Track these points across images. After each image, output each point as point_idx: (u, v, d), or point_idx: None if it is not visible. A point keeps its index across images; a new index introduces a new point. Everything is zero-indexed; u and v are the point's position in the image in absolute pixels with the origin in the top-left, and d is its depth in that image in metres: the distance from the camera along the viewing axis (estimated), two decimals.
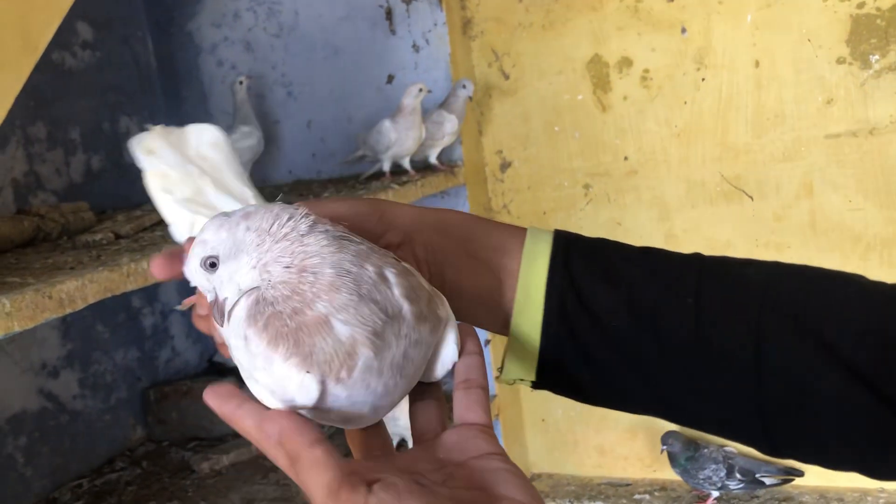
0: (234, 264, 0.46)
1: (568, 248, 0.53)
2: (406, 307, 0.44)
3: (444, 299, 0.48)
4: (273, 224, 0.45)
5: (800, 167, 1.43)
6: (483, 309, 0.54)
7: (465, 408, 0.46)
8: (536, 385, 0.55)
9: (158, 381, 1.67)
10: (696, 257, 0.54)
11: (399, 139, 1.39)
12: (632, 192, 1.54)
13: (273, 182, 1.68)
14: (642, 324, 0.51)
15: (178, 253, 0.50)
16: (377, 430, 0.47)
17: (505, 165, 1.62)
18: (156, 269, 0.50)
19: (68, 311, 0.76)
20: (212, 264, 0.46)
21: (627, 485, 1.62)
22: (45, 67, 1.48)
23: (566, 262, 0.52)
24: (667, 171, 1.51)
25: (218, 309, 0.47)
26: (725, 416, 0.52)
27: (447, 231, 0.54)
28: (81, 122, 1.55)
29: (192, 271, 0.47)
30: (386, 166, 1.42)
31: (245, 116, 1.48)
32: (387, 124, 1.37)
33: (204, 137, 0.60)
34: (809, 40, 1.39)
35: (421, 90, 1.38)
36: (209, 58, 1.70)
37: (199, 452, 1.50)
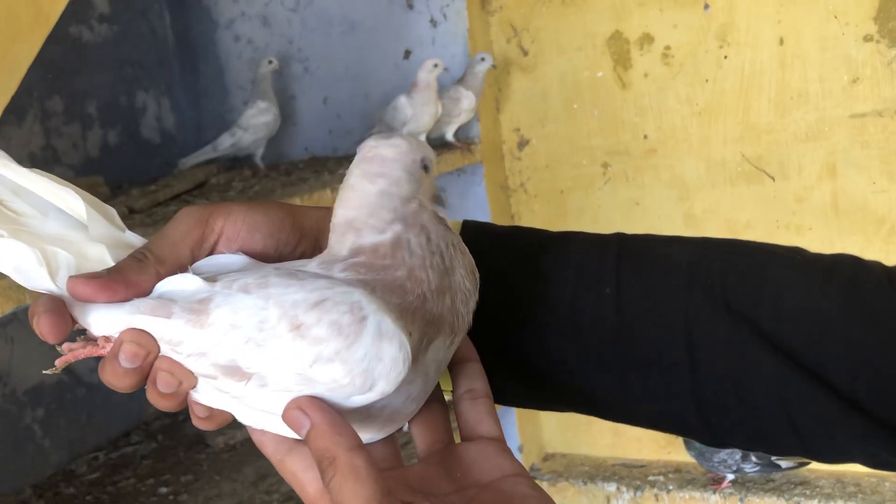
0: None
1: (477, 239, 0.48)
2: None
3: None
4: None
5: (823, 147, 1.40)
6: None
7: (475, 420, 0.43)
8: None
9: None
10: (616, 238, 0.51)
11: (415, 115, 1.37)
12: (651, 171, 1.52)
13: (289, 159, 1.67)
14: (560, 319, 0.48)
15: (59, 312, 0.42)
16: (388, 438, 0.43)
17: (523, 143, 1.60)
18: (45, 327, 0.42)
19: None
20: (425, 167, 0.44)
21: (641, 466, 1.61)
22: (62, 41, 1.48)
23: (477, 254, 0.47)
24: (687, 150, 1.49)
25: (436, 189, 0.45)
26: (660, 410, 0.49)
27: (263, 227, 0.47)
28: (98, 97, 1.55)
29: (408, 164, 0.43)
30: None
31: (263, 92, 1.46)
32: (402, 100, 1.36)
33: None
34: (836, 17, 1.36)
35: (436, 65, 1.36)
36: (226, 32, 1.69)
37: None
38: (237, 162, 1.58)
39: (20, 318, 1.39)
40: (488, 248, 0.49)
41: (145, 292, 0.42)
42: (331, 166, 1.45)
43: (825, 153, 1.40)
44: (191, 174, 1.33)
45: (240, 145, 1.39)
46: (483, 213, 1.55)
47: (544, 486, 1.59)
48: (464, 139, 1.51)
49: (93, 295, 0.41)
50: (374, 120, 1.46)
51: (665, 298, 0.47)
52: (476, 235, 0.50)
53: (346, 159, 1.54)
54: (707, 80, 1.45)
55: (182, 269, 0.43)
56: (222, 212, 0.45)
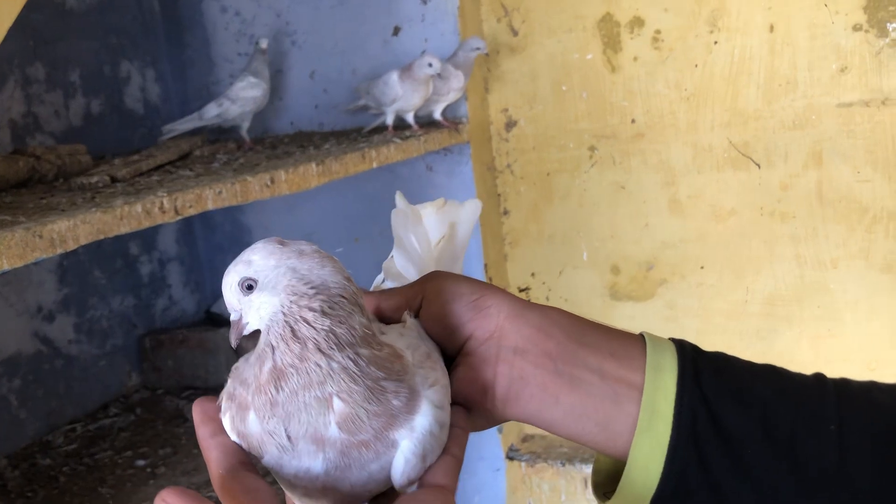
0: (266, 297, 0.45)
1: (696, 360, 0.47)
2: (336, 436, 0.42)
3: (438, 385, 0.46)
4: (318, 286, 0.44)
5: (809, 136, 1.41)
6: (589, 422, 0.47)
7: (431, 469, 0.44)
8: None
9: (154, 329, 1.67)
10: (830, 379, 0.49)
11: (405, 94, 1.36)
12: (638, 155, 1.52)
13: (274, 132, 1.66)
14: (779, 450, 0.45)
15: None
16: None
17: (510, 124, 1.60)
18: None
19: (59, 251, 0.75)
20: (248, 286, 0.46)
21: None
22: (45, 7, 1.46)
23: (696, 376, 0.46)
24: (674, 135, 1.49)
25: (236, 330, 0.47)
26: None
27: (548, 329, 0.47)
28: (81, 65, 1.53)
29: (227, 286, 0.47)
30: (389, 119, 1.40)
31: (256, 69, 1.43)
32: (394, 77, 1.35)
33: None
34: (826, 5, 1.36)
35: (431, 65, 1.34)
36: (213, 4, 1.67)
37: (193, 401, 1.50)
38: (222, 134, 1.56)
39: None
40: (708, 372, 0.48)
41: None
42: (316, 141, 1.44)
43: (811, 141, 1.41)
44: (175, 145, 1.31)
45: (226, 116, 1.37)
46: (469, 192, 1.54)
47: (522, 466, 1.60)
48: (451, 118, 1.50)
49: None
50: (361, 92, 1.44)
51: (885, 445, 0.46)
52: (694, 356, 0.48)
53: (332, 134, 1.52)
54: (696, 66, 1.45)
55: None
56: (495, 300, 0.48)
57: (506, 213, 1.63)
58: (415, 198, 1.79)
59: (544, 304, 0.50)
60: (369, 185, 1.59)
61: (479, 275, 1.57)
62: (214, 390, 1.62)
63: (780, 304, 1.48)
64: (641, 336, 0.49)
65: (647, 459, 0.46)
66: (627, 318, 1.58)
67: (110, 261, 1.58)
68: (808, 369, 0.51)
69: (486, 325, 0.48)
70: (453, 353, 0.50)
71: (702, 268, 1.52)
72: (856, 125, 1.38)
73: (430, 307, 0.49)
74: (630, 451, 0.46)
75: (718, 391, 0.46)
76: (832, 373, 0.51)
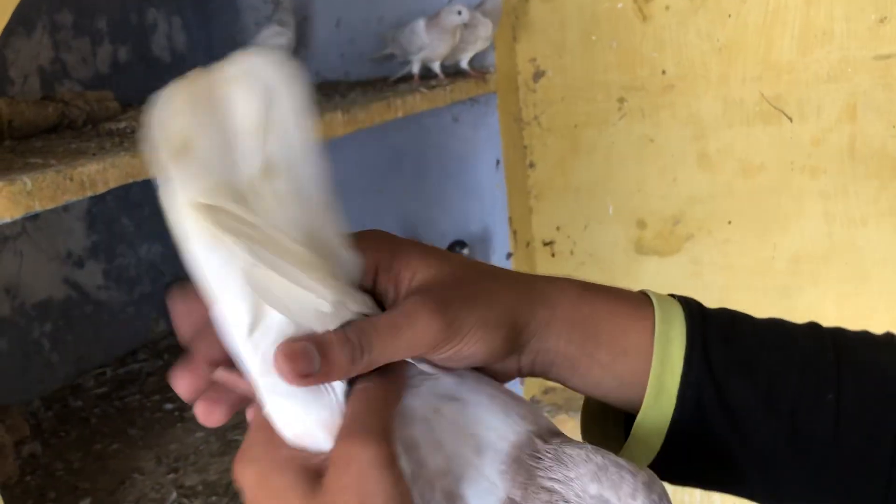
0: None
1: (704, 328, 0.47)
2: None
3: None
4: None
5: (844, 89, 1.38)
6: (603, 392, 0.49)
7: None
8: None
9: (182, 276, 1.68)
10: (828, 336, 0.49)
11: (432, 43, 1.35)
12: (667, 108, 1.50)
13: None
14: (780, 422, 0.47)
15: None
16: None
17: (538, 75, 1.58)
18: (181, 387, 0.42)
19: (89, 193, 0.76)
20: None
21: None
22: None
23: (704, 347, 0.47)
24: (705, 87, 1.47)
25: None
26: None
27: (568, 335, 0.47)
28: (108, 12, 1.52)
29: None
30: (415, 68, 1.38)
31: (282, 17, 1.42)
32: (421, 25, 1.33)
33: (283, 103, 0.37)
34: None
35: (460, 13, 1.32)
36: None
37: None
38: None
39: (28, 231, 1.39)
40: (716, 343, 0.48)
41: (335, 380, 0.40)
42: (342, 90, 1.43)
43: (846, 95, 1.38)
44: None
45: None
46: (495, 144, 1.53)
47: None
48: (478, 68, 1.49)
49: (291, 378, 0.38)
50: (387, 40, 1.43)
51: (880, 411, 0.47)
52: (702, 323, 0.48)
53: (358, 84, 1.52)
54: (730, 16, 1.42)
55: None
56: (455, 339, 0.42)
57: (532, 165, 1.62)
58: (440, 150, 1.77)
59: (561, 286, 0.48)
60: (394, 136, 1.58)
61: (504, 228, 1.57)
62: None
63: (807, 261, 1.46)
64: (650, 303, 0.49)
65: (648, 434, 0.47)
66: (652, 273, 1.57)
67: (138, 209, 1.59)
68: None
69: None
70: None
71: (729, 223, 1.50)
72: (893, 78, 1.34)
73: (456, 363, 0.44)
74: (633, 427, 0.48)
75: (725, 363, 0.47)
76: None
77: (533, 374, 0.49)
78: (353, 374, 0.40)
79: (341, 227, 0.41)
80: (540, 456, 0.39)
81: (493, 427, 0.40)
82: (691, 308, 0.49)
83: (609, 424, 0.53)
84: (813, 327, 0.51)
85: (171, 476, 1.14)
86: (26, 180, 0.71)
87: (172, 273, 1.67)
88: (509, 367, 0.47)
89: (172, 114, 0.37)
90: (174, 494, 1.10)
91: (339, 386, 0.40)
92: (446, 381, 0.42)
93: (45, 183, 0.72)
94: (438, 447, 0.39)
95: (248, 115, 0.37)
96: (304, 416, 0.39)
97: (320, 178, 0.40)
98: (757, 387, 0.47)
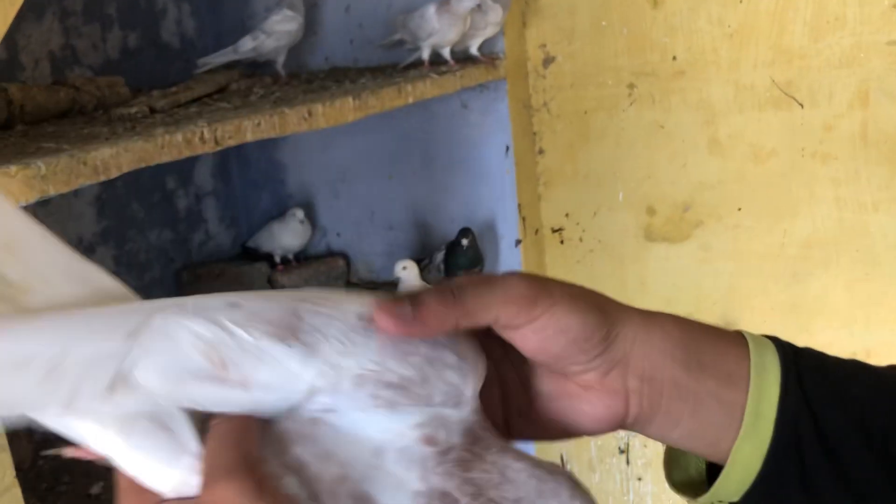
0: None
1: (796, 359, 0.47)
2: None
3: None
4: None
5: (856, 74, 1.37)
6: (701, 442, 0.47)
7: None
8: None
9: (191, 262, 1.69)
10: None
11: (442, 29, 1.34)
12: (678, 93, 1.49)
13: (308, 68, 1.65)
14: (874, 448, 0.46)
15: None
16: None
17: (548, 60, 1.57)
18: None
19: (102, 178, 0.76)
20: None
21: None
22: None
23: (799, 378, 0.46)
24: (716, 73, 1.46)
25: None
26: None
27: (671, 352, 0.46)
28: None
29: None
30: (425, 54, 1.38)
31: (292, 2, 1.42)
32: (431, 10, 1.33)
33: None
34: None
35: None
36: None
37: None
38: (257, 69, 1.56)
39: (39, 217, 1.39)
40: (809, 373, 0.47)
41: (431, 336, 0.40)
42: (352, 76, 1.43)
43: (858, 80, 1.37)
44: (211, 78, 1.31)
45: (261, 50, 1.37)
46: (504, 131, 1.53)
47: None
48: (488, 54, 1.48)
49: (393, 329, 0.39)
50: (397, 26, 1.42)
51: None
52: (794, 356, 0.47)
53: (368, 70, 1.51)
54: (741, 1, 1.41)
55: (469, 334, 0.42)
56: (546, 300, 0.42)
57: (541, 152, 1.62)
58: (450, 136, 1.77)
59: (656, 311, 0.47)
60: (403, 122, 1.58)
61: (513, 215, 1.56)
62: None
63: (818, 246, 1.46)
64: (742, 335, 0.49)
65: (747, 461, 0.46)
66: (661, 259, 1.57)
67: (148, 195, 1.60)
68: (841, 312, 0.52)
69: (613, 356, 0.45)
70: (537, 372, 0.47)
71: (739, 209, 1.50)
72: None
73: (543, 343, 0.44)
74: (731, 453, 0.46)
75: (819, 391, 0.46)
76: (864, 316, 0.52)
77: (639, 418, 0.46)
78: (450, 326, 0.41)
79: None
80: (471, 460, 0.39)
81: (384, 428, 0.39)
82: (780, 341, 0.49)
83: (691, 470, 0.52)
84: (891, 367, 0.51)
85: None
86: (40, 165, 0.72)
87: (182, 259, 1.68)
88: (615, 388, 0.45)
89: None
90: None
91: (187, 431, 0.37)
92: (320, 399, 0.39)
93: (58, 167, 0.73)
94: (328, 457, 0.38)
95: None
96: (164, 467, 0.37)
97: (49, 246, 0.40)
98: (850, 415, 0.46)
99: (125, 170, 0.79)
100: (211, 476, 0.37)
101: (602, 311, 0.44)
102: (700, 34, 1.45)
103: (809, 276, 1.47)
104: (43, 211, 1.40)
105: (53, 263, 0.40)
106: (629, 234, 1.59)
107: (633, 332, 0.45)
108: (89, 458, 0.38)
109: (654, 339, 0.45)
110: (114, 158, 0.78)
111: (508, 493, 0.39)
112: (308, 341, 0.38)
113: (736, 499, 0.47)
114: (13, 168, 0.69)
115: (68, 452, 0.39)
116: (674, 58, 1.48)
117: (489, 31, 1.42)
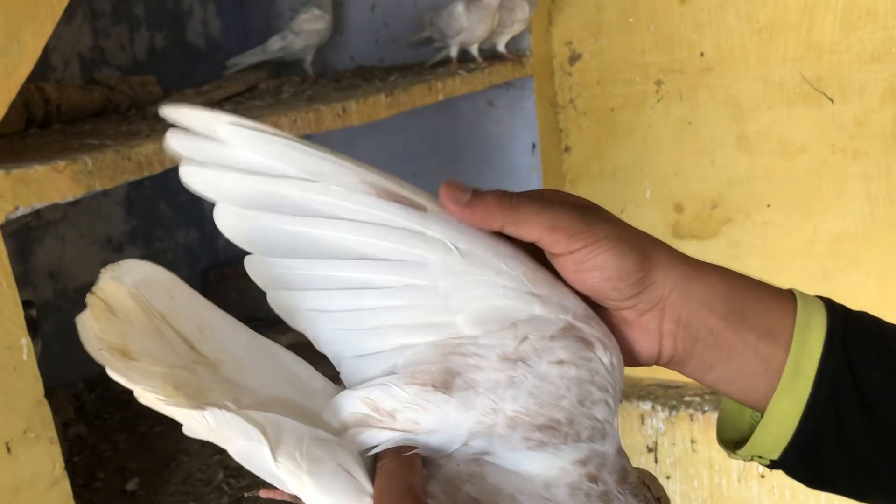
0: None
1: (846, 320, 0.47)
2: None
3: None
4: None
5: (888, 69, 1.36)
6: (735, 386, 0.48)
7: None
8: (775, 465, 0.49)
9: (218, 262, 1.70)
10: None
11: (470, 27, 1.34)
12: (706, 90, 1.49)
13: (334, 67, 1.65)
14: None
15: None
16: None
17: (574, 58, 1.57)
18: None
19: (146, 173, 0.77)
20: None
21: (678, 387, 1.62)
22: None
23: (844, 337, 0.46)
24: (744, 69, 1.45)
25: None
26: None
27: (711, 303, 0.47)
28: None
29: None
30: (453, 52, 1.38)
31: (319, 1, 1.42)
32: (460, 8, 1.33)
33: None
34: None
35: None
36: None
37: (257, 332, 1.53)
38: (284, 69, 1.56)
39: (70, 217, 1.40)
40: (855, 335, 0.47)
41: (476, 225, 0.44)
42: (379, 75, 1.43)
43: (889, 75, 1.36)
44: (241, 78, 1.31)
45: (290, 49, 1.37)
46: (531, 128, 1.53)
47: None
48: (514, 51, 1.48)
49: (444, 203, 0.44)
50: (425, 23, 1.42)
51: None
52: (844, 317, 0.48)
53: (394, 69, 1.51)
54: None
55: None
56: (587, 238, 0.44)
57: (567, 149, 1.62)
58: (476, 134, 1.77)
59: (704, 262, 0.48)
60: (429, 121, 1.58)
61: None
62: (278, 321, 1.66)
63: (848, 243, 1.45)
64: (792, 294, 0.49)
65: (784, 415, 0.47)
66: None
67: (175, 195, 1.60)
68: (872, 309, 0.51)
69: (649, 299, 0.46)
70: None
71: (768, 206, 1.49)
72: None
73: (577, 274, 0.46)
74: (768, 405, 0.47)
75: (863, 352, 0.46)
76: None
77: (673, 359, 0.48)
78: (494, 226, 0.44)
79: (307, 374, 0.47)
80: (621, 496, 0.43)
81: (548, 464, 0.43)
82: (833, 303, 0.49)
83: (745, 428, 0.52)
84: None
85: (217, 457, 1.15)
86: (87, 160, 0.72)
87: (209, 259, 1.69)
88: (650, 328, 0.47)
89: (99, 333, 0.43)
90: (221, 475, 1.11)
91: (362, 474, 0.42)
92: (476, 444, 0.44)
93: (104, 163, 0.73)
94: (498, 492, 0.42)
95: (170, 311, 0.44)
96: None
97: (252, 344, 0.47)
98: (892, 377, 0.46)
99: (168, 166, 0.79)
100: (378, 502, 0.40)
101: (644, 254, 0.46)
102: (728, 30, 1.44)
103: (840, 273, 1.46)
104: (73, 210, 1.41)
105: (237, 341, 0.46)
106: (657, 232, 1.57)
107: (672, 279, 0.46)
108: (281, 498, 0.44)
109: (695, 289, 0.47)
110: (157, 154, 0.78)
111: None
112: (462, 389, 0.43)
113: (775, 456, 0.48)
114: (61, 163, 0.70)
115: (264, 494, 0.45)
116: (701, 54, 1.47)
117: (516, 29, 1.41)
